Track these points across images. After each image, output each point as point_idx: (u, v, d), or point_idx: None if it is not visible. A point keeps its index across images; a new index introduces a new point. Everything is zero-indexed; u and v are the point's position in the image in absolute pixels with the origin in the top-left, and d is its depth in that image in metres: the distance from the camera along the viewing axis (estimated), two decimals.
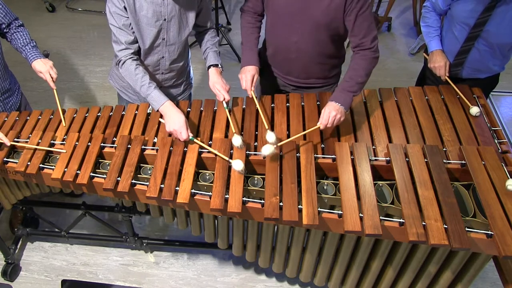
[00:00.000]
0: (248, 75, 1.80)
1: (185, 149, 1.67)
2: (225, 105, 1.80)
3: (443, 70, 2.00)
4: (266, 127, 1.69)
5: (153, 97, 1.73)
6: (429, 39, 2.11)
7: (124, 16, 1.74)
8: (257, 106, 1.77)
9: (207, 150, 1.66)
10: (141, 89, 1.76)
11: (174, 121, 1.67)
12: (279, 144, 1.62)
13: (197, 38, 2.05)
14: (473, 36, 1.93)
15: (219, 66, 1.90)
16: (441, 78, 2.02)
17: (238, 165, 1.55)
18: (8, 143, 1.74)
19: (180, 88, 2.12)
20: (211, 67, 1.89)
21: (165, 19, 1.77)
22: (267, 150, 1.55)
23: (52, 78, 1.94)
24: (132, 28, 1.78)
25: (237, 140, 1.63)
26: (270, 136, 1.61)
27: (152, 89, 1.74)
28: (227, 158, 1.60)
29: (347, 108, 1.69)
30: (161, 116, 1.74)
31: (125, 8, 1.73)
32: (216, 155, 1.63)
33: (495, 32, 1.87)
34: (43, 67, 1.93)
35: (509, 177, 1.49)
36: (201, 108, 1.90)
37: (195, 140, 1.67)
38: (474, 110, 1.79)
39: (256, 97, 1.81)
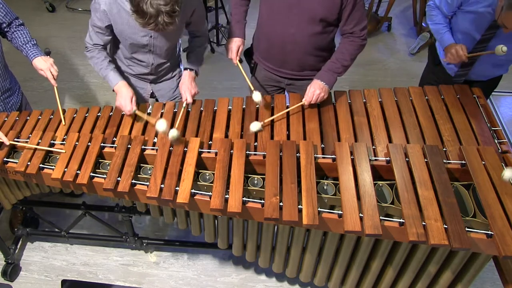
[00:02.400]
0: (234, 46, 1.96)
1: (185, 149, 1.67)
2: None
3: (461, 51, 1.87)
4: (252, 88, 1.89)
5: (109, 78, 1.87)
6: (440, 35, 1.99)
7: (102, 33, 1.87)
8: (243, 73, 1.95)
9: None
10: (100, 71, 1.90)
11: (122, 96, 1.83)
12: (265, 121, 1.77)
13: (189, 40, 2.10)
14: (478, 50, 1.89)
15: (194, 71, 1.99)
16: (462, 59, 1.88)
17: (161, 125, 1.66)
18: (7, 142, 1.74)
19: (174, 82, 2.17)
20: (187, 69, 1.98)
21: (151, 36, 1.84)
22: (254, 127, 1.73)
23: (53, 75, 1.94)
24: (108, 35, 1.90)
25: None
26: (256, 95, 1.80)
27: (108, 71, 1.88)
28: (154, 120, 1.73)
29: (330, 87, 1.84)
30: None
31: (107, 27, 1.83)
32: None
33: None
34: (44, 65, 1.94)
35: (504, 168, 1.49)
36: (201, 108, 1.90)
37: (137, 112, 1.83)
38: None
39: (242, 67, 1.97)
